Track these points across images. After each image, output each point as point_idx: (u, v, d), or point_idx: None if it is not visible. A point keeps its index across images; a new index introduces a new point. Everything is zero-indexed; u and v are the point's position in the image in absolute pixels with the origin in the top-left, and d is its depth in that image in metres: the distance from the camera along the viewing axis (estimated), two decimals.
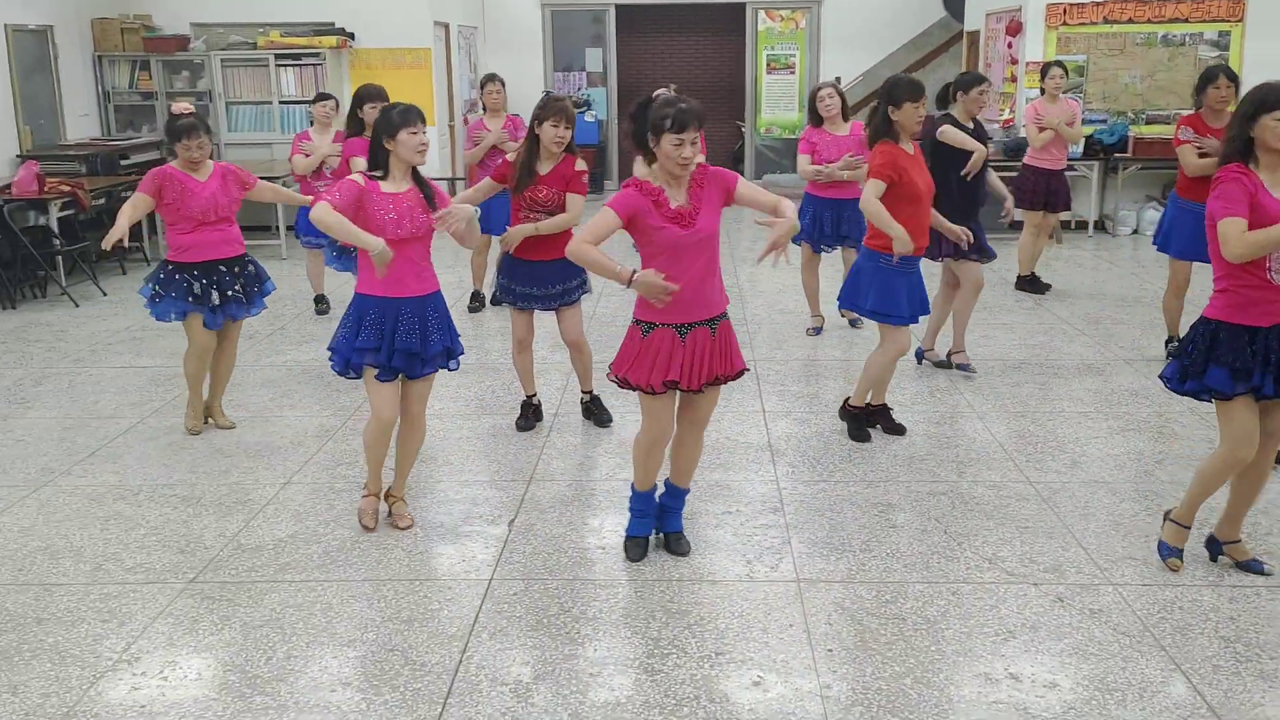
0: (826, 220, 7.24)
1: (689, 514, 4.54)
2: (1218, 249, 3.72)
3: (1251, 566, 4.04)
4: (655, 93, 3.87)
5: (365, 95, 7.23)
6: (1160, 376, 4.06)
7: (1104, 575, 4.04)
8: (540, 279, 5.35)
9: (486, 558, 4.26)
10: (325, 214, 4.03)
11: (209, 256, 5.44)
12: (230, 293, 5.50)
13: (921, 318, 5.48)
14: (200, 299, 5.42)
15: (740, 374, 4.07)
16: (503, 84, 8.27)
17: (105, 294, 9.06)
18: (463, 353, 4.53)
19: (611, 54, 15.50)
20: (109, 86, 11.99)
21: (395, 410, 4.38)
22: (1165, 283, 8.36)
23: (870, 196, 5.10)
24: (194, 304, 5.42)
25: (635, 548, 4.25)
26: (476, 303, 8.44)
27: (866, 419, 5.52)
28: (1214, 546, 4.12)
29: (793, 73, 15.45)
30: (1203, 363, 3.78)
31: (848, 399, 5.59)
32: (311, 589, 4.02)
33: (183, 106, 5.56)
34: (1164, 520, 4.16)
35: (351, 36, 11.99)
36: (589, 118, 14.52)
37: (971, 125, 6.28)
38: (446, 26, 12.90)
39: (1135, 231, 11.20)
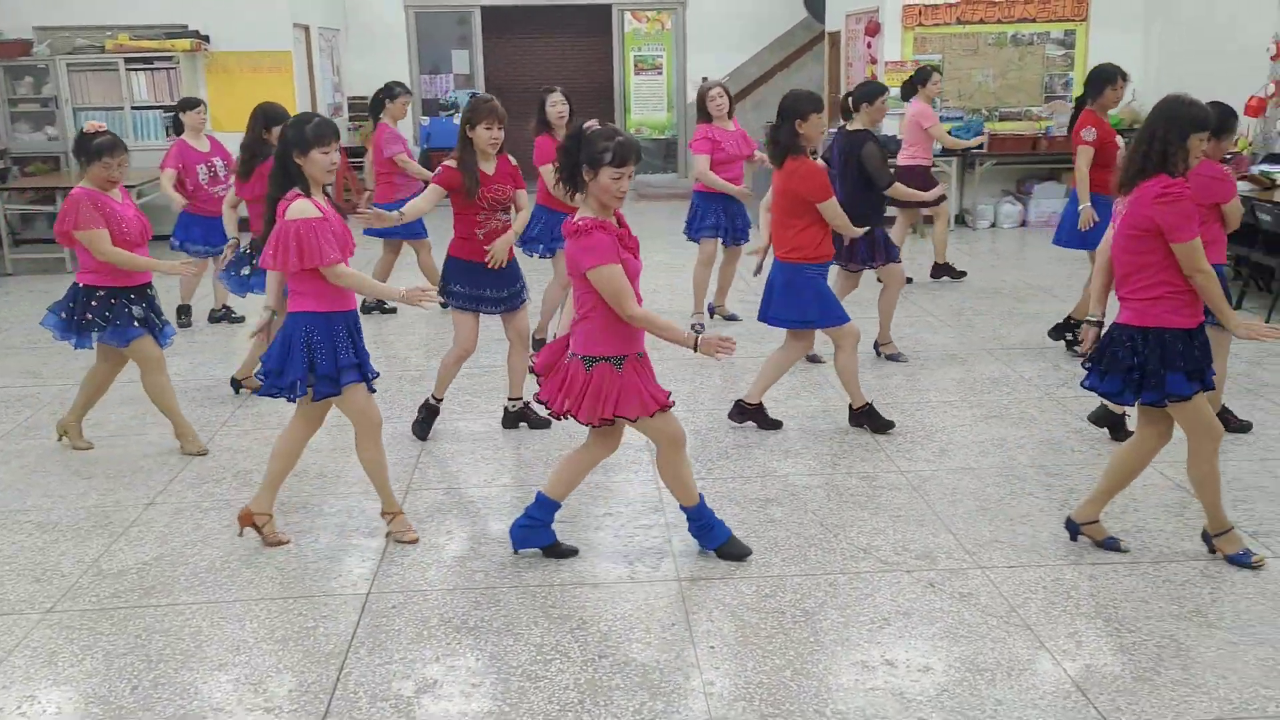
0: (732, 215, 7.43)
1: (569, 516, 4.53)
2: (1157, 259, 3.82)
3: (1108, 544, 4.20)
4: (585, 124, 3.87)
5: (274, 117, 6.33)
6: (1089, 388, 4.11)
7: (972, 559, 4.17)
8: (497, 281, 5.36)
9: (364, 572, 4.17)
10: (345, 275, 4.13)
11: (142, 280, 5.23)
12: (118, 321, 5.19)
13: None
14: (144, 321, 5.20)
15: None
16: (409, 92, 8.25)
17: None
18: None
19: (478, 56, 15.37)
20: None
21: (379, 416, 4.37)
22: (1023, 273, 8.65)
23: (836, 213, 5.32)
24: (140, 327, 5.18)
25: (731, 546, 4.27)
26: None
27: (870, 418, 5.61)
28: (1073, 527, 4.27)
29: (660, 74, 15.56)
30: (1159, 372, 3.86)
31: (852, 405, 5.63)
32: (179, 613, 3.87)
33: (96, 125, 5.25)
34: (1214, 540, 4.14)
35: (206, 39, 11.62)
36: (456, 119, 14.34)
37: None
38: (307, 28, 12.61)
39: (993, 225, 11.59)
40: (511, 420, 5.74)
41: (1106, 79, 6.58)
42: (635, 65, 15.53)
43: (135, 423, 5.91)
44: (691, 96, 15.29)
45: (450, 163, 5.20)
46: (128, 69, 11.34)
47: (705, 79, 15.36)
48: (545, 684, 3.41)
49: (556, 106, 6.63)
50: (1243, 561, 4.04)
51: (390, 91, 8.00)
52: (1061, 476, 4.94)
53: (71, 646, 3.66)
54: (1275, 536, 4.29)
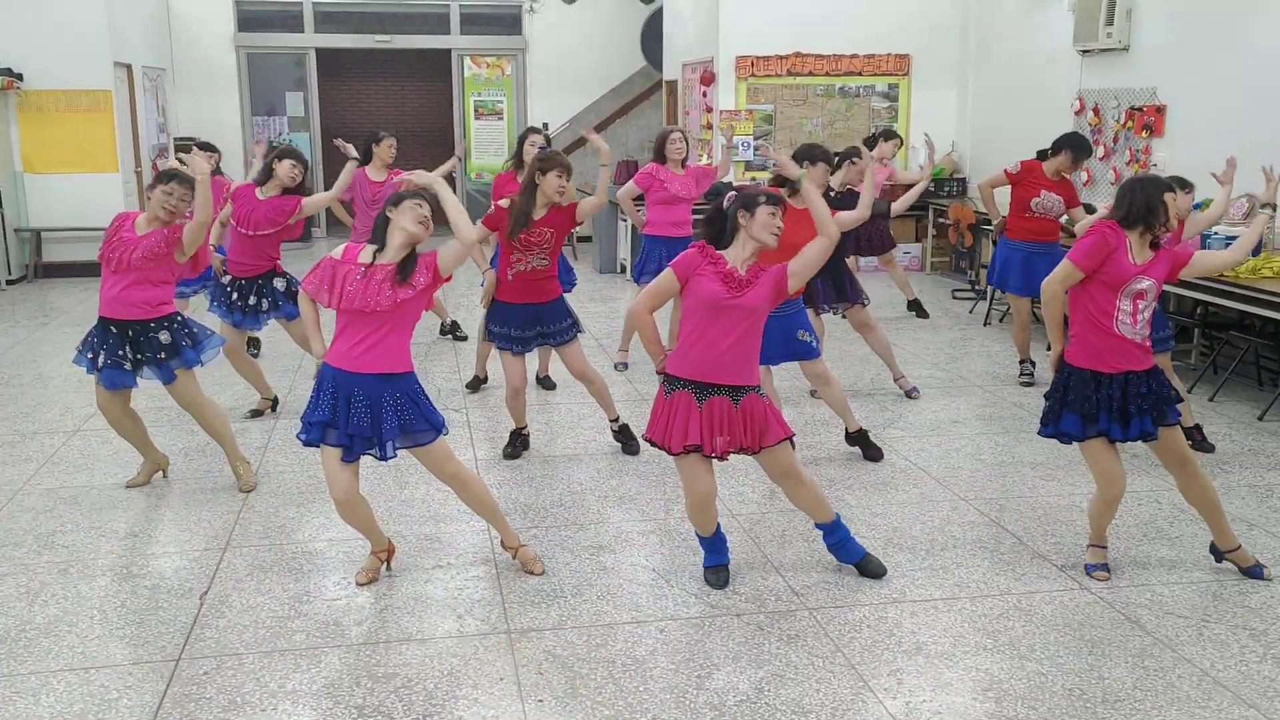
0: (665, 260, 7.38)
1: (396, 571, 4.42)
2: (1074, 297, 4.15)
3: (1253, 573, 4.35)
4: (727, 197, 4.20)
5: (284, 153, 6.56)
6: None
7: (800, 601, 4.22)
8: (530, 322, 5.58)
9: (174, 637, 3.95)
10: (301, 303, 4.21)
11: (104, 314, 5.10)
12: (108, 359, 5.07)
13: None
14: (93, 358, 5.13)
15: (784, 440, 4.16)
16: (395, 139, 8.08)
17: None
18: (442, 430, 4.22)
19: (314, 98, 15.08)
20: None
21: (346, 487, 4.10)
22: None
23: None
24: (91, 360, 5.14)
25: (712, 574, 4.36)
26: (460, 332, 8.78)
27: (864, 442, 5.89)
28: (1217, 552, 4.44)
29: (501, 119, 15.55)
30: (1058, 409, 4.19)
31: (848, 430, 5.89)
32: None
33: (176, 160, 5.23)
34: (1087, 548, 4.48)
35: (19, 77, 11.06)
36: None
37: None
38: (129, 67, 12.14)
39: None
40: (615, 437, 5.99)
41: (1074, 150, 7.07)
42: (475, 110, 15.49)
43: None
44: None
45: (504, 203, 5.51)
46: None
47: (545, 125, 15.50)
48: None
49: (534, 149, 6.69)
50: (1089, 571, 4.34)
51: (375, 136, 7.88)
52: (885, 516, 5.07)
53: None
54: (1079, 570, 4.48)
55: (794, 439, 4.22)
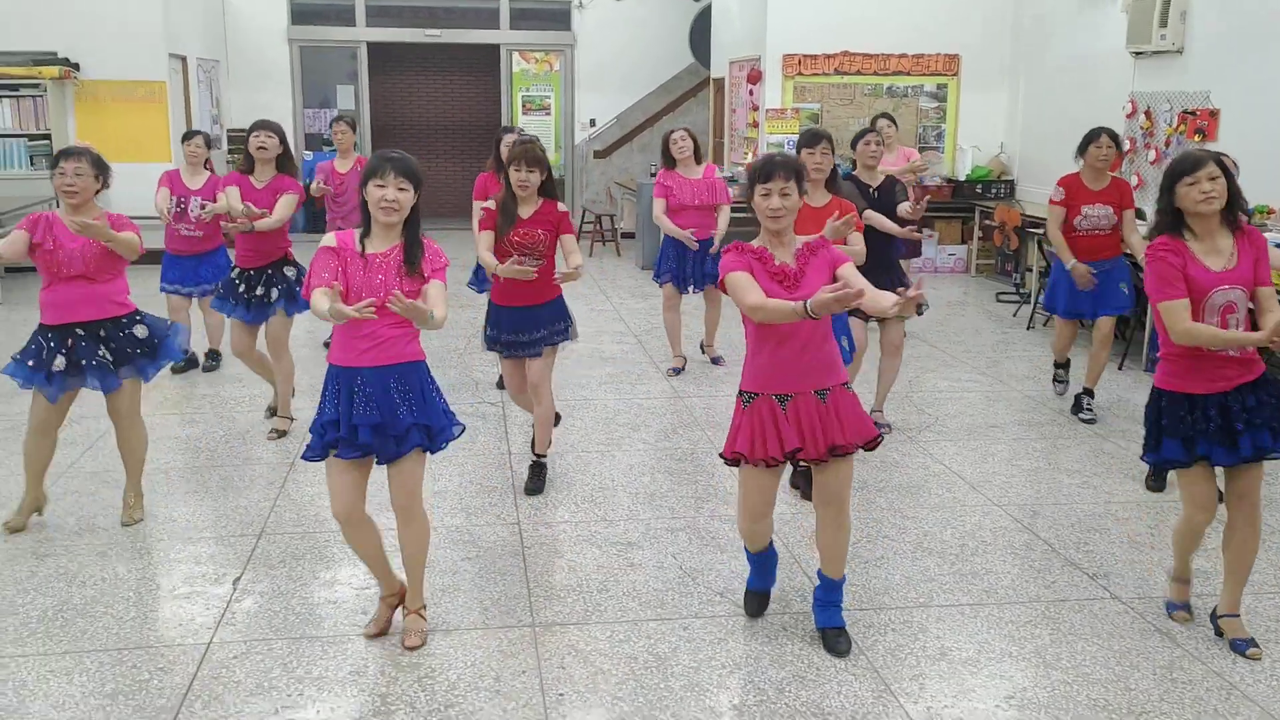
0: (689, 260, 7.47)
1: (429, 559, 4.47)
2: (1159, 317, 3.72)
3: (1235, 646, 3.85)
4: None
5: (255, 125, 6.24)
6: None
7: None
8: (525, 325, 5.18)
9: (206, 620, 4.03)
10: (316, 303, 3.56)
11: (61, 319, 4.59)
12: (90, 361, 4.60)
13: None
14: (44, 364, 4.59)
15: (874, 442, 3.76)
16: (350, 125, 8.11)
17: None
18: (459, 428, 3.89)
19: (364, 91, 15.24)
20: None
21: (350, 503, 3.74)
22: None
23: None
24: (37, 373, 4.59)
25: (751, 601, 4.10)
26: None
27: None
28: (1216, 623, 3.98)
29: (548, 114, 15.62)
30: (1157, 435, 3.83)
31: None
32: (3, 666, 3.68)
33: (83, 144, 4.83)
34: (1169, 581, 4.16)
35: (76, 67, 11.29)
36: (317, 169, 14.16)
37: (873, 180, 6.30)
38: (184, 59, 12.34)
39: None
40: (534, 471, 5.46)
41: (1090, 139, 6.27)
42: (523, 105, 15.57)
43: None
44: (580, 137, 15.42)
45: (489, 204, 5.19)
46: None
47: (592, 121, 15.55)
48: None
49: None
50: (1169, 611, 4.08)
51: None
52: (916, 520, 5.04)
53: None
54: (1114, 577, 4.43)
55: (877, 442, 3.79)
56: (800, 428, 3.65)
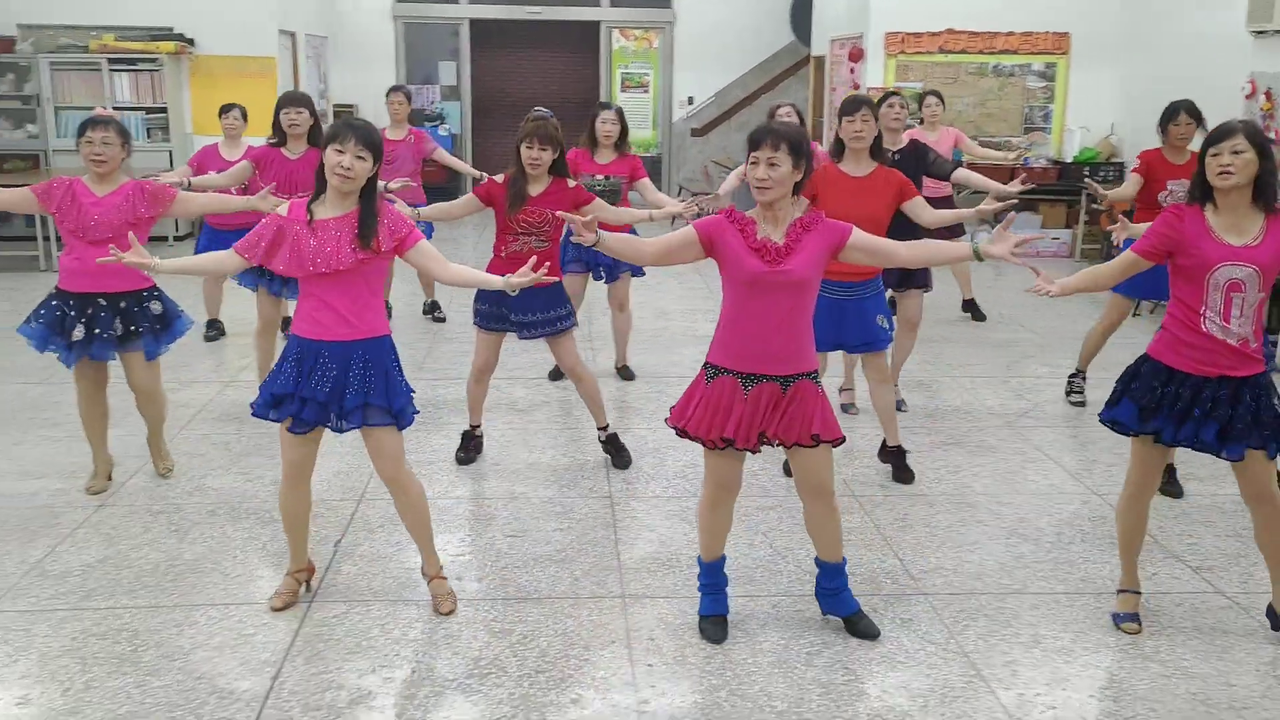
0: None
1: (519, 531, 4.55)
2: (1171, 288, 3.65)
3: None
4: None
5: (285, 100, 6.36)
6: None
7: (916, 585, 4.18)
8: (522, 305, 4.99)
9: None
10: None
11: (86, 287, 4.66)
12: (103, 332, 4.70)
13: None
14: (63, 331, 4.69)
15: (836, 442, 3.59)
16: (408, 96, 8.34)
17: None
18: (415, 412, 3.85)
19: (466, 68, 15.42)
20: None
21: (305, 461, 3.82)
22: (995, 302, 8.71)
23: None
24: (56, 337, 4.70)
25: (710, 627, 3.77)
26: (439, 313, 8.51)
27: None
28: (1273, 616, 3.87)
29: (646, 91, 15.62)
30: (1120, 394, 3.75)
31: (885, 443, 5.34)
32: (118, 616, 3.86)
33: (102, 109, 5.03)
34: (1116, 593, 3.99)
35: (191, 43, 11.64)
36: (442, 131, 14.40)
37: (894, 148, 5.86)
38: (294, 35, 12.63)
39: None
40: (605, 450, 5.46)
41: (1169, 116, 6.15)
42: (622, 82, 15.59)
43: None
44: (678, 115, 15.39)
45: (499, 177, 5.08)
46: (110, 69, 11.34)
47: (690, 99, 15.50)
48: (480, 698, 3.40)
49: (606, 125, 6.55)
50: (1116, 623, 3.88)
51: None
52: (1012, 506, 4.96)
53: (5, 648, 3.64)
54: (1219, 571, 4.31)
55: (841, 442, 3.61)
56: (753, 416, 3.52)
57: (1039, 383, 6.92)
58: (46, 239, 10.06)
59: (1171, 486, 5.07)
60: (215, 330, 7.94)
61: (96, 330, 4.69)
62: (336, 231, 3.60)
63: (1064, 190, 11.51)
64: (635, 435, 5.84)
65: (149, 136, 11.48)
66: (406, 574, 4.23)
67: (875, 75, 11.57)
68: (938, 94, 8.83)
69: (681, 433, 3.64)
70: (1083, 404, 6.42)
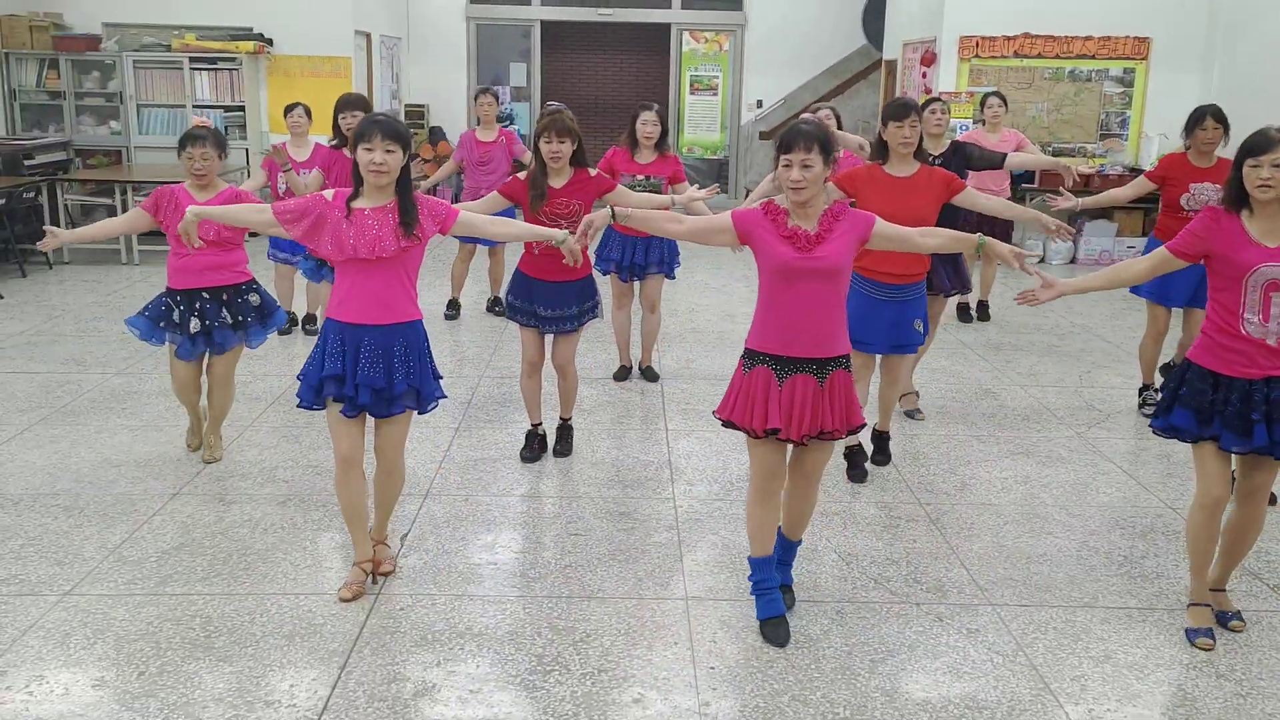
0: None
1: (582, 530, 4.57)
2: (1209, 291, 3.70)
3: (1221, 618, 3.91)
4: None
5: (343, 104, 6.71)
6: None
7: (984, 596, 4.13)
8: (557, 300, 5.14)
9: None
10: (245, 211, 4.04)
11: (191, 284, 5.04)
12: (214, 323, 5.07)
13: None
14: (179, 326, 5.06)
15: (856, 429, 3.77)
16: (496, 97, 8.45)
17: (2, 296, 8.80)
18: (442, 396, 4.07)
19: (536, 69, 15.52)
20: (15, 85, 11.70)
21: (358, 448, 3.93)
22: (1067, 311, 8.59)
23: None
24: (165, 330, 5.08)
25: (771, 630, 3.79)
26: (453, 310, 8.55)
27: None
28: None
29: (715, 94, 15.60)
30: (1171, 401, 3.77)
31: (877, 427, 5.48)
32: (192, 602, 3.94)
33: (200, 120, 5.42)
34: (1187, 607, 3.97)
35: (270, 42, 11.86)
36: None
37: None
38: (369, 36, 12.82)
39: (1042, 260, 11.47)
40: (556, 436, 5.63)
41: (1196, 120, 6.02)
42: (691, 85, 15.59)
43: (170, 414, 6.01)
44: (746, 118, 15.36)
45: (522, 174, 5.14)
46: (191, 68, 11.60)
47: (759, 102, 15.47)
48: (542, 694, 3.43)
49: (646, 126, 6.55)
50: (1190, 639, 3.82)
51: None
52: (1083, 518, 4.88)
53: (84, 630, 3.74)
54: None
55: (862, 427, 3.81)
56: (792, 407, 3.61)
57: (1111, 394, 6.79)
58: (128, 235, 10.31)
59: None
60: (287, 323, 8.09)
61: (207, 322, 5.09)
62: (376, 221, 3.77)
63: (1141, 199, 11.25)
64: (700, 438, 5.84)
65: (226, 134, 11.70)
66: (472, 569, 4.27)
67: (948, 79, 11.45)
68: (1000, 95, 8.75)
69: (728, 424, 3.75)
70: None
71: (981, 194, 5.06)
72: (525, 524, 4.74)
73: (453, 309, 8.55)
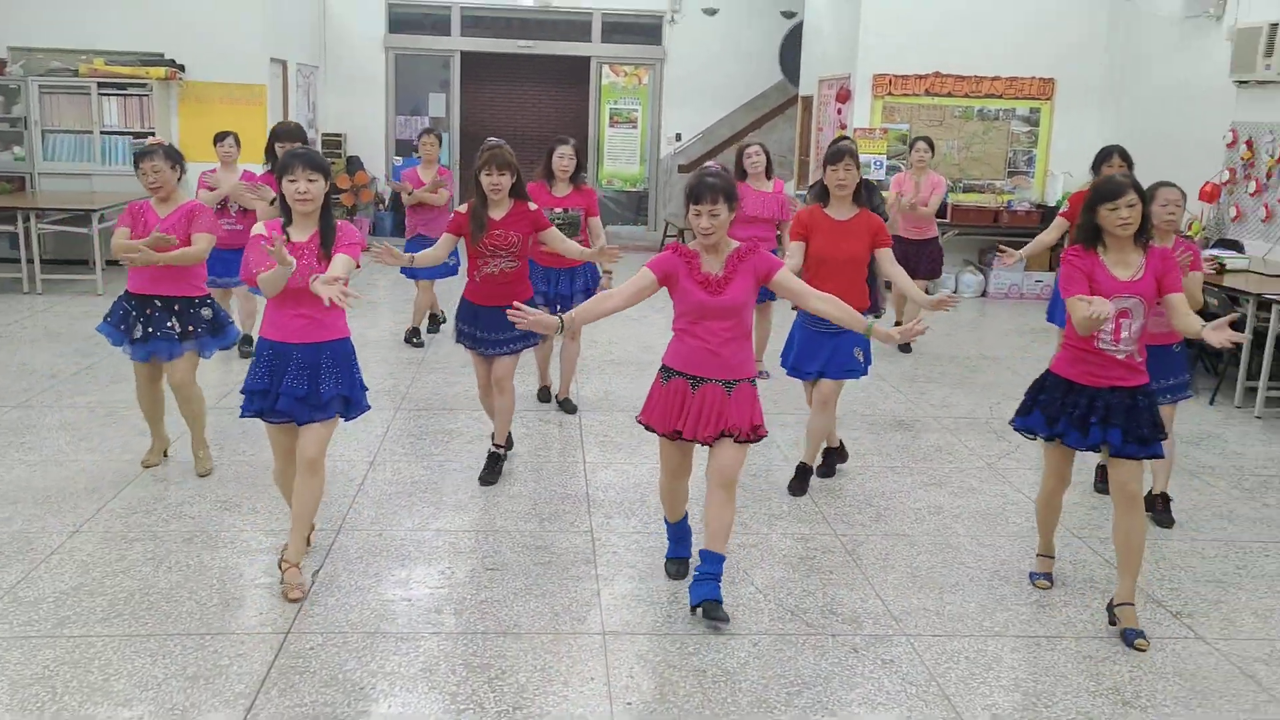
0: None
1: (499, 564, 4.52)
2: (1067, 317, 4.16)
3: (1126, 635, 4.08)
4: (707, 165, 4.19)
5: (281, 134, 6.87)
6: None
7: (898, 626, 4.16)
8: (498, 326, 5.32)
9: (285, 611, 4.11)
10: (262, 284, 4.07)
11: (146, 289, 5.22)
12: (158, 331, 5.21)
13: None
14: (127, 330, 5.25)
15: (758, 437, 4.14)
16: (438, 138, 8.70)
17: None
18: (368, 407, 4.37)
19: (455, 100, 15.47)
20: None
21: (287, 455, 4.33)
22: (979, 344, 8.80)
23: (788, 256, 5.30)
24: (123, 334, 5.26)
25: (673, 567, 4.54)
26: (417, 339, 8.66)
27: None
28: (1111, 614, 4.21)
29: (635, 127, 15.71)
30: (1030, 405, 4.30)
31: (803, 462, 5.66)
32: (90, 645, 3.80)
33: (155, 138, 5.54)
34: (1036, 556, 4.67)
35: (181, 68, 11.65)
36: (402, 174, 14.40)
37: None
38: (284, 63, 12.66)
39: (954, 293, 11.71)
40: (491, 461, 5.67)
41: (1103, 158, 6.35)
42: (610, 118, 15.68)
43: (70, 448, 5.83)
44: (665, 151, 15.48)
45: (462, 208, 5.36)
46: (100, 93, 11.33)
47: (678, 135, 15.61)
48: None
49: (563, 160, 6.61)
50: (1032, 579, 4.54)
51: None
52: (994, 548, 4.96)
53: None
54: (1199, 617, 4.32)
55: (761, 436, 4.15)
56: (701, 411, 4.07)
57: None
58: (30, 264, 10.03)
59: (1164, 516, 5.31)
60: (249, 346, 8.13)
61: (151, 330, 5.22)
62: (305, 252, 4.10)
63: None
64: (618, 470, 5.83)
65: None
66: (385, 605, 4.19)
67: (862, 116, 11.67)
68: (928, 140, 9.02)
69: (648, 427, 4.22)
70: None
71: (893, 264, 5.34)
72: (441, 558, 4.67)
73: (416, 337, 8.70)
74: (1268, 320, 7.22)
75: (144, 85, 11.36)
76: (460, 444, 6.17)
